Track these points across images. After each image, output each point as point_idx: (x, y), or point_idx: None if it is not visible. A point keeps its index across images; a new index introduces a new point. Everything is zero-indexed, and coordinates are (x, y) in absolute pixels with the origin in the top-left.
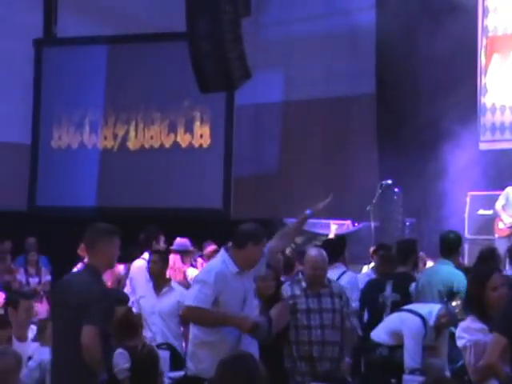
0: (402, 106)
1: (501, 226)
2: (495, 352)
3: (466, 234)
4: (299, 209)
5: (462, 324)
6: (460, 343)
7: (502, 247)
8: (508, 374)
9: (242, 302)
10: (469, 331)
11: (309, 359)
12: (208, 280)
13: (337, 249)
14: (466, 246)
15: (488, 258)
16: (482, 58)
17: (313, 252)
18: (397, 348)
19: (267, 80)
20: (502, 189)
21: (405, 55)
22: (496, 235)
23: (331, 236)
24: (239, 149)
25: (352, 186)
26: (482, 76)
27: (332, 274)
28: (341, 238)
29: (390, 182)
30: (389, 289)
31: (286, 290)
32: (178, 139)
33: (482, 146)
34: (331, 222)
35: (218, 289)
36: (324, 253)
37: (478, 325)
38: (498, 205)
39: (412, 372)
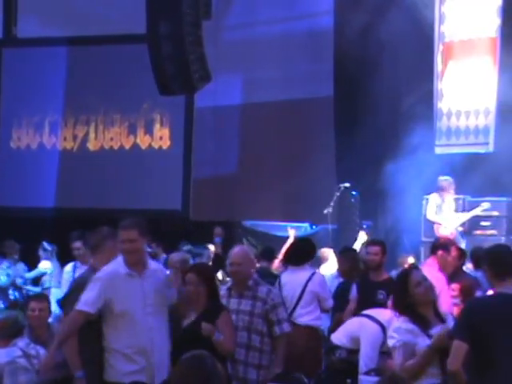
0: (359, 109)
1: (443, 231)
2: (458, 358)
3: (422, 237)
4: (258, 211)
5: (395, 324)
6: (390, 343)
7: None
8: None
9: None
10: (399, 332)
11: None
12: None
13: (305, 250)
14: (421, 249)
15: None
16: (438, 64)
17: (235, 249)
18: (355, 351)
19: (227, 82)
20: (457, 192)
21: (362, 59)
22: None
23: (291, 239)
24: (199, 151)
25: (310, 189)
26: (439, 81)
27: (301, 276)
28: (308, 240)
29: (347, 185)
30: None
31: (221, 289)
32: (138, 141)
33: (438, 150)
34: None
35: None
36: (247, 251)
37: (409, 326)
38: (431, 214)
39: (367, 373)
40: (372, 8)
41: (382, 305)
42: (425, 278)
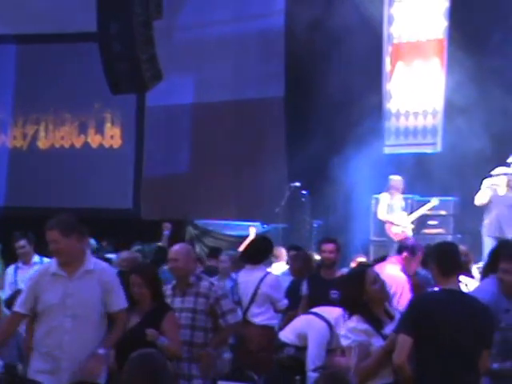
0: (310, 110)
1: (395, 230)
2: (403, 352)
3: (372, 236)
4: (209, 210)
5: (349, 324)
6: (345, 343)
7: None
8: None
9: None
10: (354, 332)
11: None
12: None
13: (264, 249)
14: (371, 248)
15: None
16: (386, 65)
17: (174, 246)
18: (303, 349)
19: (179, 82)
20: (405, 192)
21: (313, 60)
22: (396, 240)
23: (251, 237)
24: (150, 150)
25: (261, 188)
26: (387, 82)
27: (255, 276)
28: (267, 238)
29: (298, 184)
30: None
31: (167, 288)
32: (89, 140)
33: (387, 150)
34: (249, 224)
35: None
36: (186, 247)
37: (364, 326)
38: (382, 214)
39: (315, 370)
40: (323, 8)
41: (335, 303)
42: (379, 276)
